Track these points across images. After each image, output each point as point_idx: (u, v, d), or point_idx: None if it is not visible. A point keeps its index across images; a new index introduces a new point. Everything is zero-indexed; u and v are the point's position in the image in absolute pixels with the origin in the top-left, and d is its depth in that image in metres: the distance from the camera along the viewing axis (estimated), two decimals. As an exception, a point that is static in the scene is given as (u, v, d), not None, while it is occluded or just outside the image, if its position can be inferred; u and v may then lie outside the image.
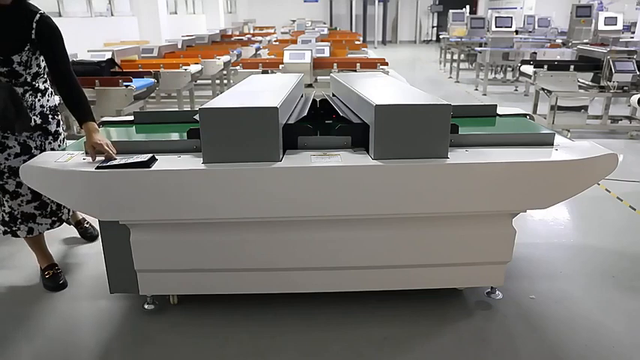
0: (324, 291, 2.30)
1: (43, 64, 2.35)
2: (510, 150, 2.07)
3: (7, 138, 2.30)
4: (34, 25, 2.20)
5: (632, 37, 9.77)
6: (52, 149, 2.42)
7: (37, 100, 2.35)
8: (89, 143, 2.05)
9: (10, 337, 2.19)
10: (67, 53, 2.32)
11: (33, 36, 2.20)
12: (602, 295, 2.49)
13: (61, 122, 2.54)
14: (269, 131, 1.91)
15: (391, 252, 2.17)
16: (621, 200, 3.73)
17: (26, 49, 2.21)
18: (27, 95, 2.30)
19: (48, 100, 2.43)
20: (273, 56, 6.24)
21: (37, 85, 2.34)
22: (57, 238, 3.12)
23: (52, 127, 2.43)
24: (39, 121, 2.36)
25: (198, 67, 6.16)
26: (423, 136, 1.94)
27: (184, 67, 5.91)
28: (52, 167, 1.94)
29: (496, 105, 2.77)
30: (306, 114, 2.34)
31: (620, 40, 8.56)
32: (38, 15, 2.21)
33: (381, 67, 5.46)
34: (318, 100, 2.77)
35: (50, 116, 2.43)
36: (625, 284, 2.58)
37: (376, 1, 21.63)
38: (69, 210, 2.61)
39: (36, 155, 2.19)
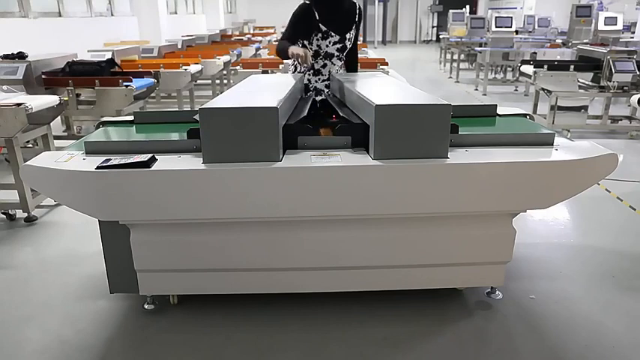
0: (324, 291, 2.30)
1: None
2: (510, 150, 2.07)
3: None
4: (357, 11, 2.99)
5: (632, 37, 9.77)
6: None
7: (341, 70, 3.09)
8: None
9: (11, 338, 2.19)
10: None
11: (357, 19, 2.99)
12: (602, 295, 2.49)
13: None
14: (269, 131, 1.91)
15: (391, 252, 2.17)
16: (621, 200, 3.73)
17: (353, 27, 2.97)
18: (339, 68, 3.07)
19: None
20: (273, 56, 6.24)
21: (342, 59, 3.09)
22: (57, 237, 3.12)
23: None
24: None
25: (198, 67, 6.16)
26: (423, 136, 1.94)
27: (184, 67, 5.91)
28: (52, 167, 1.94)
29: (496, 105, 2.77)
30: (306, 114, 2.34)
31: (620, 40, 8.57)
32: (358, 4, 3.02)
33: (381, 67, 5.46)
34: (318, 100, 2.77)
35: None
36: (625, 284, 2.58)
37: (376, 1, 21.63)
38: None
39: None
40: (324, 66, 3.00)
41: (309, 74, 3.03)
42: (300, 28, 2.89)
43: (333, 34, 2.88)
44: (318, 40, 2.88)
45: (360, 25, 3.08)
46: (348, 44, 3.00)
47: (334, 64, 3.02)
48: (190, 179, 1.91)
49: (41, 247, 3.01)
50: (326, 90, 3.05)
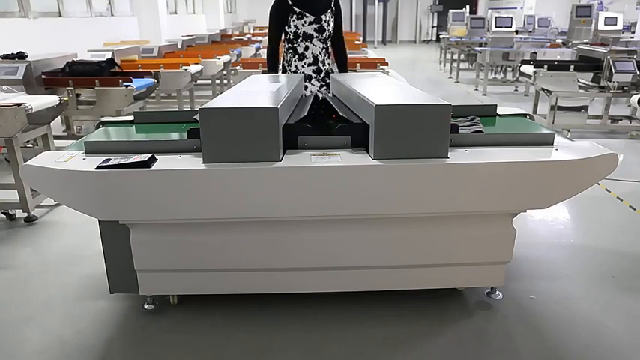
0: (324, 291, 2.30)
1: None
2: (510, 150, 2.07)
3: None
4: (333, 1, 3.22)
5: (632, 37, 9.77)
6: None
7: (326, 56, 3.30)
8: None
9: (11, 338, 2.19)
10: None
11: (332, 5, 3.21)
12: (602, 295, 2.49)
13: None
14: (269, 131, 1.91)
15: (391, 252, 2.17)
16: (621, 200, 3.73)
17: (329, 11, 3.18)
18: (323, 52, 3.26)
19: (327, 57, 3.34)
20: (273, 56, 6.22)
21: (329, 44, 3.31)
22: (57, 238, 3.12)
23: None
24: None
25: (198, 67, 6.16)
26: (423, 136, 1.94)
27: (184, 67, 5.91)
28: (52, 167, 1.94)
29: (496, 105, 2.77)
30: (306, 114, 2.34)
31: (620, 40, 8.57)
32: None
33: (381, 67, 5.46)
34: (317, 99, 2.76)
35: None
36: (625, 284, 2.58)
37: (376, 1, 21.63)
38: None
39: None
40: (307, 48, 3.19)
41: (295, 60, 3.22)
42: (279, 23, 3.15)
43: (307, 14, 3.10)
44: (294, 20, 3.11)
45: (339, 16, 3.29)
46: (326, 25, 3.17)
47: (315, 46, 3.18)
48: (190, 179, 1.91)
49: (41, 247, 3.01)
50: (313, 75, 3.23)
